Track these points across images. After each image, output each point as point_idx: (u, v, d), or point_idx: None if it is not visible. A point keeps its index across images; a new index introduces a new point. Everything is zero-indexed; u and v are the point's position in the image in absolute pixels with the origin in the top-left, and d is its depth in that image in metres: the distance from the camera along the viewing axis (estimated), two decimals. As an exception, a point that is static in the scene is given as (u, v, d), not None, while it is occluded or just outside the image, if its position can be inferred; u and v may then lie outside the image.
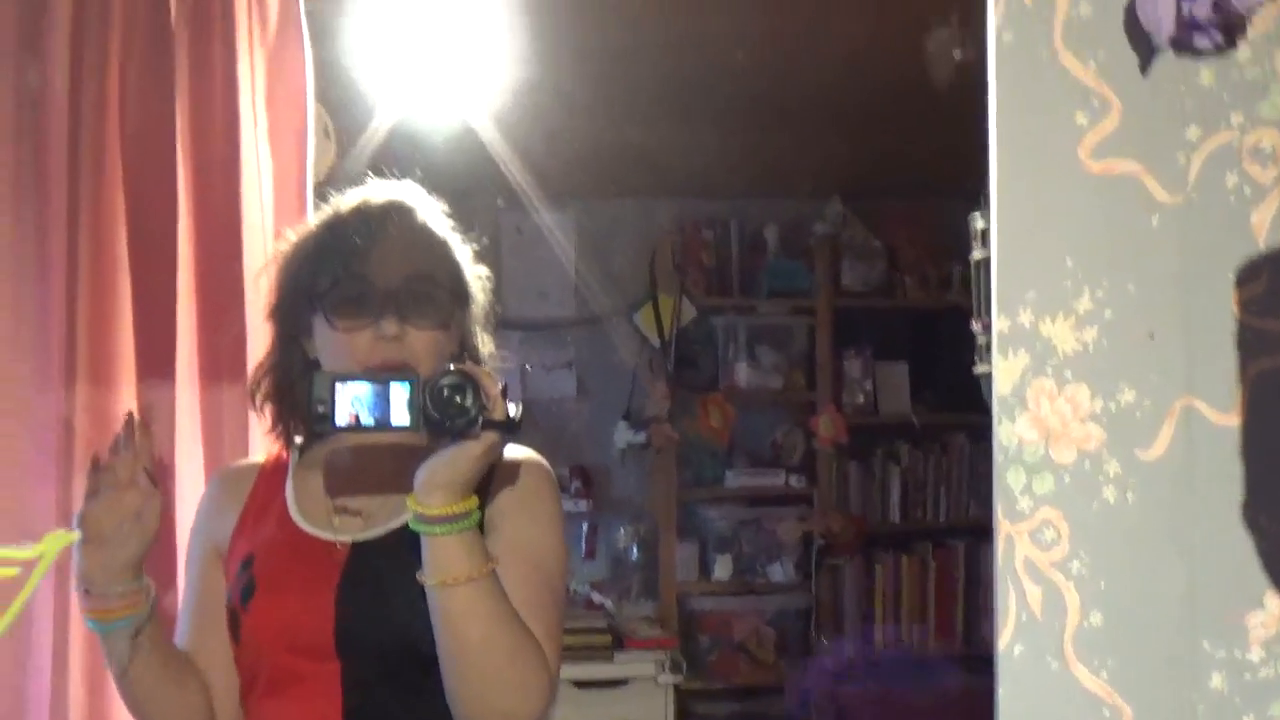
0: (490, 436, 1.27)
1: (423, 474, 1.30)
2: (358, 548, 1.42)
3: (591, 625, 3.74)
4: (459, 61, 2.60)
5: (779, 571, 4.20)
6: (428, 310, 1.42)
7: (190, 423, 1.85)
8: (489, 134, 2.92)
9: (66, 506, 1.80)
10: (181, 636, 1.50)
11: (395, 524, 1.41)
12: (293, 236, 1.54)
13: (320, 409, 1.27)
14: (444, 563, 1.29)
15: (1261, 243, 1.25)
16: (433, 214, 1.50)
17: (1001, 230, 1.24)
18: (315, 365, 1.46)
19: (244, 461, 1.61)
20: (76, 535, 1.24)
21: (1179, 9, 1.18)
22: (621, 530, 4.22)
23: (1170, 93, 1.26)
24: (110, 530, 1.33)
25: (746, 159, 3.85)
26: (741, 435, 4.23)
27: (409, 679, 1.36)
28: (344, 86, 2.46)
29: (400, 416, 1.27)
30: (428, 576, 1.30)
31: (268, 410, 1.53)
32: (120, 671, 1.39)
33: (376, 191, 1.50)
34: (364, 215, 1.46)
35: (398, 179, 1.54)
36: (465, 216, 1.55)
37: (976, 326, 1.64)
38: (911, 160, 3.84)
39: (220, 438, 1.87)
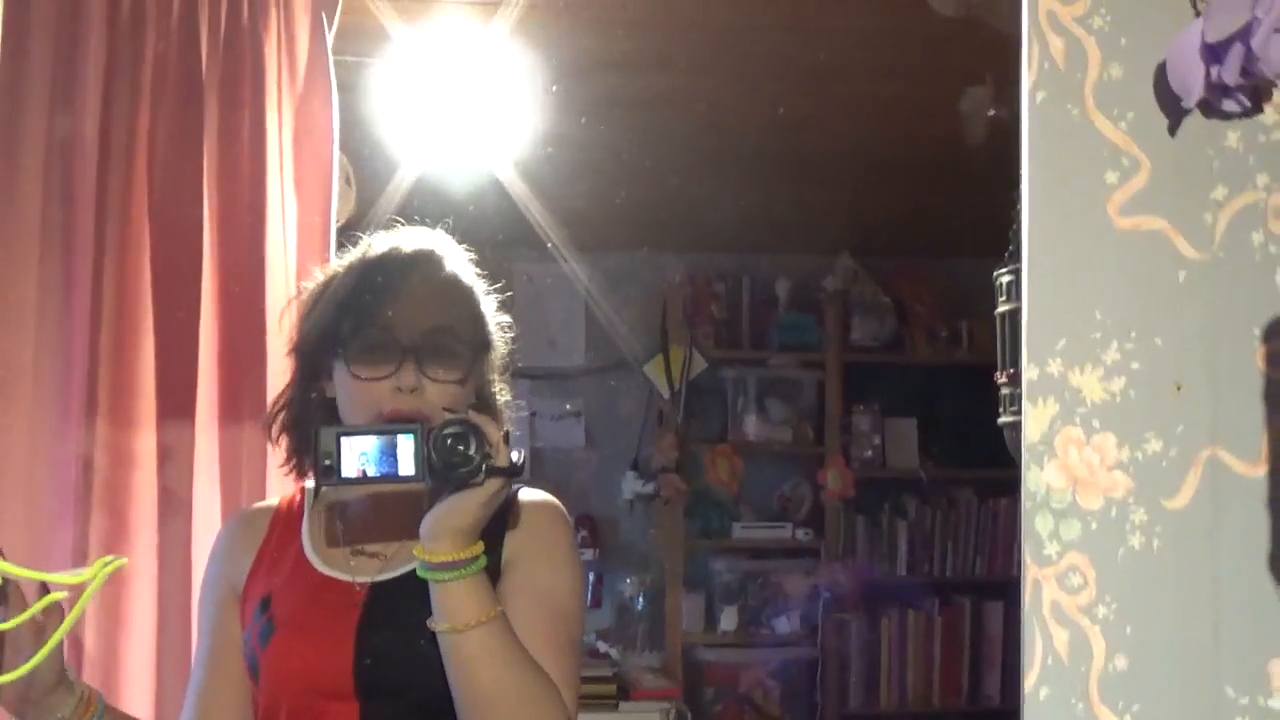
0: (494, 483, 1.29)
1: (428, 522, 1.31)
2: (376, 588, 1.42)
3: (597, 674, 3.73)
4: (476, 112, 2.64)
5: (785, 624, 4.20)
6: (447, 363, 1.43)
7: (208, 463, 1.87)
8: (505, 183, 2.96)
9: (83, 544, 1.81)
10: (197, 680, 1.49)
11: (413, 565, 1.40)
12: (320, 276, 1.55)
13: (327, 462, 1.30)
14: (452, 608, 1.30)
15: (1286, 299, 1.28)
16: (461, 264, 1.51)
17: (1032, 281, 1.27)
18: (332, 405, 1.47)
19: (259, 504, 1.61)
20: (125, 561, 1.25)
21: (1208, 73, 1.21)
22: (628, 580, 4.22)
23: (1198, 153, 1.29)
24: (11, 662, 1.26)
25: (759, 214, 3.88)
26: (749, 487, 4.24)
27: (429, 718, 1.36)
28: (367, 136, 2.50)
29: (406, 467, 1.29)
30: (437, 622, 1.31)
31: (283, 443, 1.54)
32: None
33: (407, 239, 1.50)
34: (392, 263, 1.47)
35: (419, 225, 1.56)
36: (477, 263, 1.55)
37: (1000, 378, 1.66)
38: (923, 218, 3.88)
39: (238, 479, 1.89)
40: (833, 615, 4.15)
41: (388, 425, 1.34)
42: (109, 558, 1.12)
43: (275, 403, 1.55)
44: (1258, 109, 1.26)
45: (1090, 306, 1.27)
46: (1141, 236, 1.28)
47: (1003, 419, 1.67)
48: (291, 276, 1.91)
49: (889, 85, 2.84)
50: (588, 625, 4.14)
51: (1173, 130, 1.28)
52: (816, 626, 4.16)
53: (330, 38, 1.94)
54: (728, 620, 4.19)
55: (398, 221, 1.57)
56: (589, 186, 3.31)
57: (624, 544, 4.30)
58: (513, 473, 1.30)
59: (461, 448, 1.27)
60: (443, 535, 1.30)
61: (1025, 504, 1.25)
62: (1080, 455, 1.26)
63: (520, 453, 1.32)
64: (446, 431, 1.28)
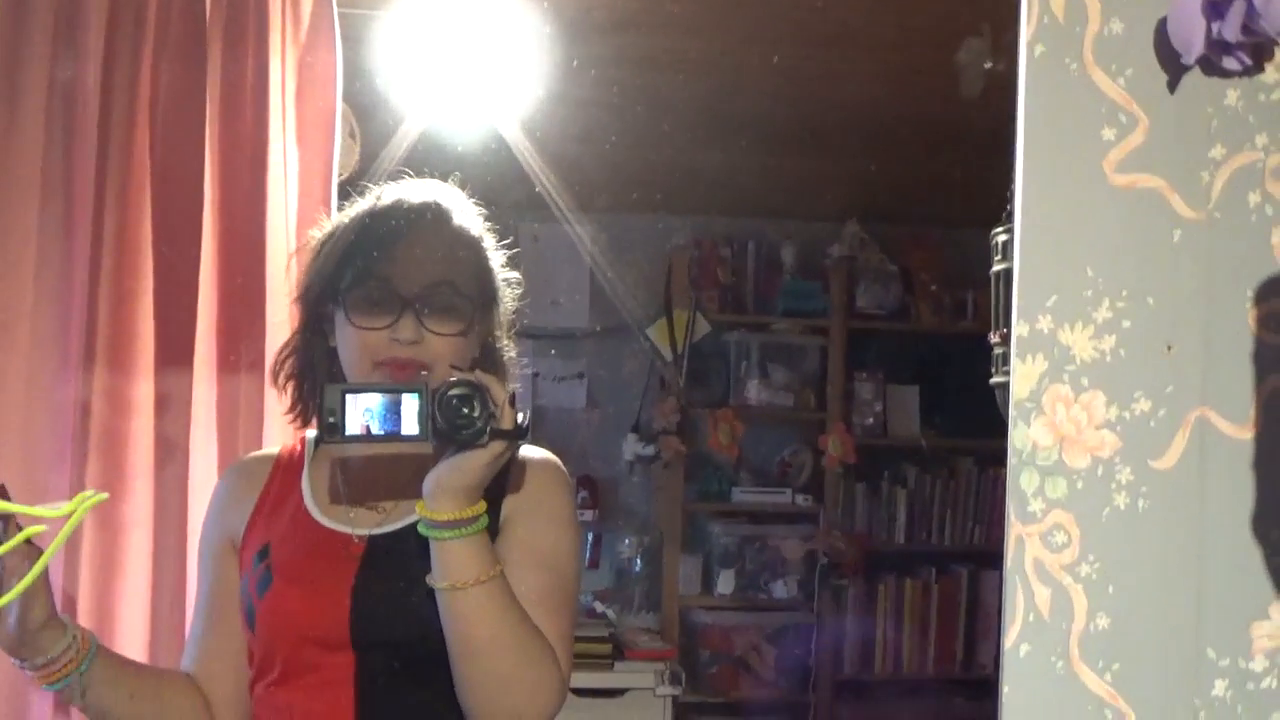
0: (498, 445, 1.29)
1: (430, 480, 1.31)
2: (374, 541, 1.43)
3: (593, 634, 3.76)
4: (485, 70, 2.62)
5: (782, 589, 4.22)
6: (447, 317, 1.43)
7: (206, 412, 1.87)
8: (511, 142, 2.95)
9: (80, 490, 1.81)
10: (196, 630, 1.51)
11: (412, 519, 1.41)
12: (328, 225, 1.55)
13: (331, 420, 1.29)
14: (452, 566, 1.31)
15: (1280, 262, 1.27)
16: (469, 217, 1.51)
17: (1025, 237, 1.26)
18: (335, 354, 1.48)
19: (259, 453, 1.62)
20: (105, 496, 1.26)
21: (1209, 30, 1.20)
22: (626, 541, 4.24)
23: (1197, 111, 1.27)
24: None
25: (767, 179, 3.87)
26: (750, 452, 4.25)
27: (422, 673, 1.37)
28: (371, 89, 2.49)
29: (410, 426, 1.29)
30: (436, 580, 1.32)
31: (289, 389, 1.55)
32: (87, 709, 1.40)
33: (414, 191, 1.50)
34: (397, 215, 1.47)
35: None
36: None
37: (994, 338, 1.66)
38: (931, 187, 3.87)
39: (236, 427, 1.89)
40: (830, 581, 4.17)
41: (393, 384, 1.34)
42: (89, 492, 1.13)
43: (281, 350, 1.56)
44: (1258, 68, 1.25)
45: (1082, 264, 1.26)
46: (1137, 194, 1.27)
47: (995, 379, 1.66)
48: (292, 227, 1.91)
49: (900, 51, 2.82)
50: (586, 585, 4.17)
51: (1172, 87, 1.27)
52: (813, 592, 4.18)
53: (335, -11, 1.93)
54: (725, 583, 4.21)
55: (405, 173, 1.56)
56: (595, 147, 3.30)
57: (623, 506, 4.32)
58: (517, 435, 1.30)
59: (466, 409, 1.27)
60: (445, 494, 1.30)
61: (1011, 460, 1.25)
62: (1068, 413, 1.26)
63: (525, 414, 1.32)
64: (451, 392, 1.28)
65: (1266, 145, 1.28)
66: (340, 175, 2.00)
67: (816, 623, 4.17)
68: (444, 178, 1.56)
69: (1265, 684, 1.26)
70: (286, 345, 1.56)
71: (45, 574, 1.30)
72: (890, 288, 4.27)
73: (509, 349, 1.56)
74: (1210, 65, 1.24)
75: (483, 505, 1.32)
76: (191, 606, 1.73)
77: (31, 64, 1.81)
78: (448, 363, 1.41)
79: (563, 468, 1.50)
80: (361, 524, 1.45)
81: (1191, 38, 1.22)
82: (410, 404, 1.29)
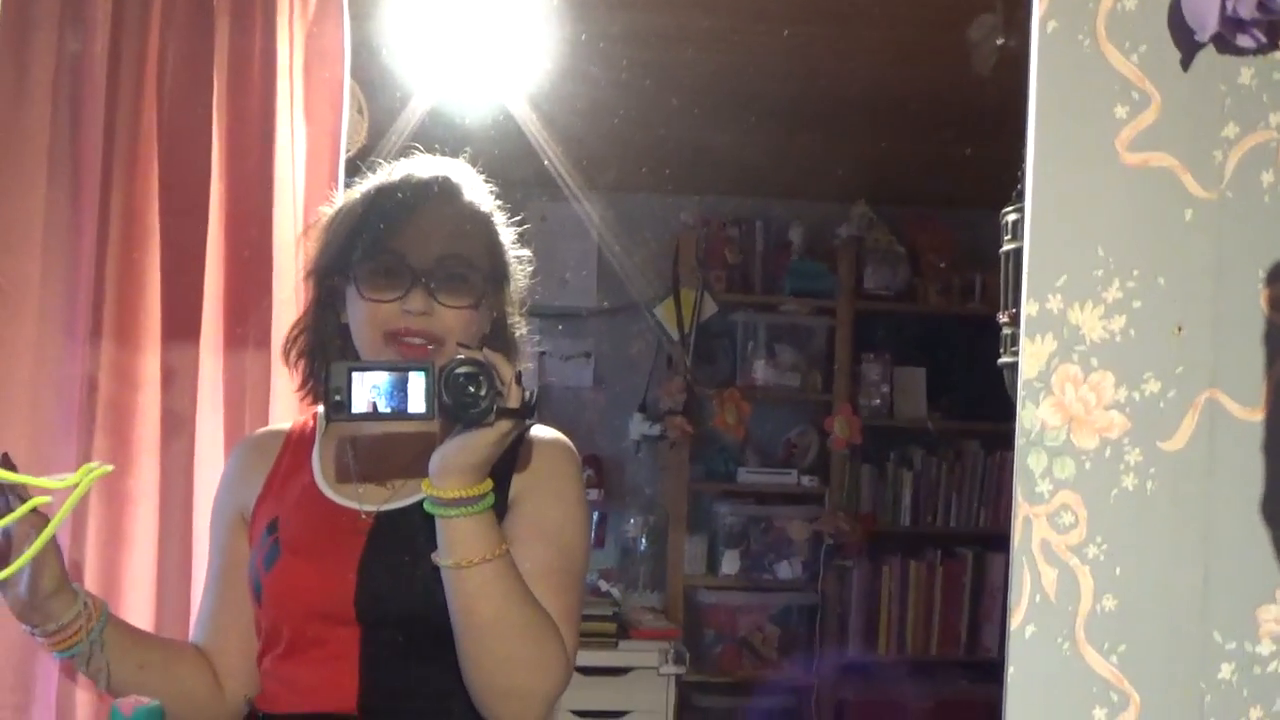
0: (504, 424, 1.29)
1: (437, 458, 1.32)
2: (382, 517, 1.44)
3: (598, 613, 3.77)
4: (494, 46, 2.61)
5: (786, 570, 4.22)
6: (458, 290, 1.43)
7: (212, 386, 1.87)
8: (519, 119, 2.93)
9: (87, 463, 1.81)
10: (207, 604, 1.52)
11: (420, 496, 1.41)
12: (338, 201, 1.56)
13: (337, 398, 1.29)
14: (458, 545, 1.31)
15: (1293, 242, 1.26)
16: (479, 193, 1.51)
17: (1035, 215, 1.25)
18: (347, 331, 1.48)
19: (271, 428, 1.63)
20: (110, 468, 1.26)
21: (1223, 7, 1.18)
22: (632, 521, 4.24)
23: (1210, 89, 1.26)
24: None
25: (776, 159, 3.86)
26: (756, 432, 4.24)
27: (427, 649, 1.38)
28: (380, 66, 2.48)
29: (417, 404, 1.29)
30: (442, 557, 1.32)
31: (300, 367, 1.55)
32: (96, 676, 1.41)
33: (424, 167, 1.51)
34: (408, 189, 1.48)
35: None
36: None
37: (1003, 318, 1.64)
38: (940, 168, 3.85)
39: (242, 402, 1.89)
40: (834, 563, 4.17)
41: (400, 362, 1.34)
42: (94, 464, 1.13)
43: (292, 328, 1.57)
44: (1273, 46, 1.24)
45: (1093, 243, 1.25)
46: (1149, 173, 1.26)
47: (1003, 359, 1.65)
48: (300, 202, 1.91)
49: (911, 31, 2.80)
50: (591, 564, 4.16)
51: (1185, 65, 1.26)
52: (818, 573, 4.18)
53: (344, -37, 1.92)
54: (729, 564, 4.21)
55: (415, 149, 1.56)
56: (603, 125, 3.28)
57: (629, 485, 4.32)
58: (524, 414, 1.30)
59: (473, 388, 1.27)
60: (452, 472, 1.30)
61: (1019, 440, 1.25)
62: (1077, 393, 1.25)
63: (532, 392, 1.32)
64: (458, 370, 1.28)
65: (1280, 124, 1.27)
66: (348, 151, 1.99)
67: (821, 604, 4.17)
68: (453, 154, 1.56)
69: (1271, 667, 1.25)
70: (298, 323, 1.57)
71: (54, 542, 1.31)
72: (898, 269, 4.25)
73: (520, 326, 1.56)
74: (1224, 43, 1.23)
75: (489, 483, 1.32)
76: (196, 580, 1.74)
77: (39, 38, 1.80)
78: (457, 337, 1.41)
79: (572, 447, 1.50)
80: (370, 500, 1.45)
81: (1206, 14, 1.21)
82: (417, 382, 1.29)
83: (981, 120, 2.51)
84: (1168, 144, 1.26)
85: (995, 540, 4.24)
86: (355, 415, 1.30)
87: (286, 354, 1.56)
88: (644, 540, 4.21)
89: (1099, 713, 1.25)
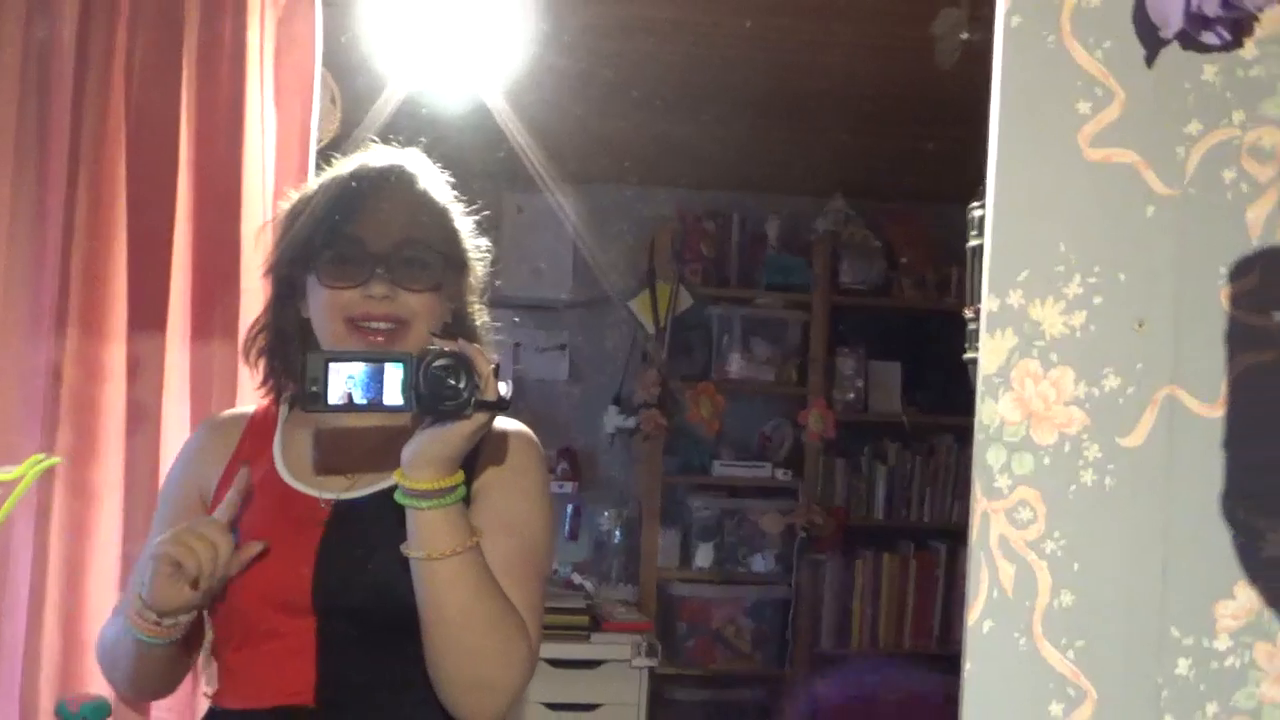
0: (481, 417, 1.29)
1: (411, 449, 1.31)
2: (341, 506, 1.43)
3: (570, 606, 3.76)
4: (469, 38, 2.60)
5: (760, 563, 4.22)
6: (418, 274, 1.43)
7: (179, 377, 1.86)
8: (496, 111, 2.92)
9: (50, 455, 1.80)
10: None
11: (380, 486, 1.42)
12: (294, 197, 1.55)
13: (313, 388, 1.28)
14: (429, 536, 1.30)
15: (1255, 239, 1.26)
16: (434, 181, 1.51)
17: (997, 211, 1.25)
18: (308, 325, 1.48)
19: (234, 411, 1.62)
20: (57, 460, 1.25)
21: (1188, 4, 1.19)
22: (605, 514, 4.24)
23: (1174, 86, 1.27)
24: (206, 572, 1.34)
25: (752, 152, 3.85)
26: (730, 426, 4.24)
27: (385, 640, 1.37)
28: (353, 56, 2.46)
29: (393, 397, 1.29)
30: (412, 549, 1.31)
31: (260, 365, 1.54)
32: (140, 666, 1.42)
33: (377, 156, 1.51)
34: (362, 178, 1.47)
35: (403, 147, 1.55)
36: (467, 192, 1.55)
37: (969, 313, 1.65)
38: (915, 163, 3.85)
39: (208, 393, 1.88)
40: (808, 556, 4.17)
41: (377, 352, 1.34)
42: (40, 455, 1.12)
43: (252, 327, 1.56)
44: (1237, 43, 1.24)
45: (1055, 239, 1.26)
46: (1111, 169, 1.26)
47: (968, 354, 1.65)
48: (269, 191, 1.89)
49: (887, 26, 2.80)
50: (564, 557, 4.17)
51: (1149, 61, 1.26)
52: (791, 566, 4.18)
53: (314, -49, 1.91)
54: (703, 557, 4.21)
55: (373, 141, 1.57)
56: (580, 118, 3.28)
57: (603, 478, 4.32)
58: (501, 407, 1.30)
59: (452, 381, 1.27)
60: (425, 464, 1.30)
61: (978, 435, 1.25)
62: (1036, 389, 1.25)
63: (508, 385, 1.31)
64: (437, 363, 1.27)
65: (1243, 122, 1.27)
66: (320, 141, 1.98)
67: (794, 596, 4.18)
68: (430, 146, 1.56)
69: (1229, 663, 1.26)
70: (258, 321, 1.56)
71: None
72: (874, 263, 4.25)
73: (481, 314, 1.55)
74: (1189, 40, 1.23)
75: (460, 476, 1.32)
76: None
77: (6, 25, 1.79)
78: (423, 320, 1.42)
79: (536, 440, 1.50)
80: (329, 488, 1.44)
81: (1170, 11, 1.21)
82: (394, 374, 1.28)
83: (957, 114, 2.51)
84: (1130, 140, 1.26)
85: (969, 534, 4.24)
86: (332, 407, 1.30)
87: (246, 353, 1.55)
88: (618, 533, 4.20)
89: (1055, 708, 1.25)
